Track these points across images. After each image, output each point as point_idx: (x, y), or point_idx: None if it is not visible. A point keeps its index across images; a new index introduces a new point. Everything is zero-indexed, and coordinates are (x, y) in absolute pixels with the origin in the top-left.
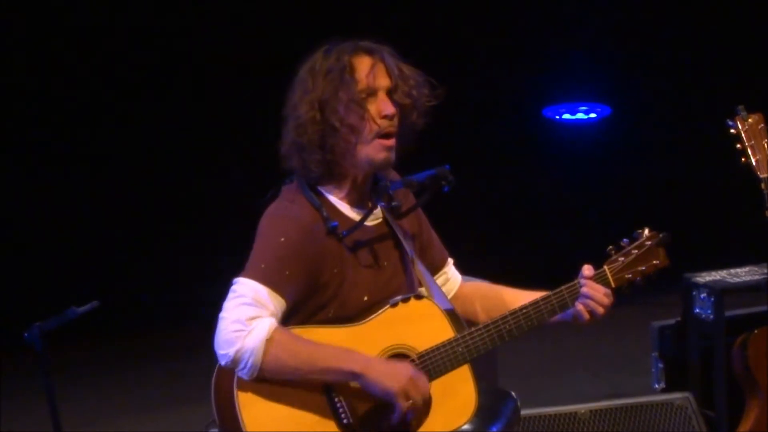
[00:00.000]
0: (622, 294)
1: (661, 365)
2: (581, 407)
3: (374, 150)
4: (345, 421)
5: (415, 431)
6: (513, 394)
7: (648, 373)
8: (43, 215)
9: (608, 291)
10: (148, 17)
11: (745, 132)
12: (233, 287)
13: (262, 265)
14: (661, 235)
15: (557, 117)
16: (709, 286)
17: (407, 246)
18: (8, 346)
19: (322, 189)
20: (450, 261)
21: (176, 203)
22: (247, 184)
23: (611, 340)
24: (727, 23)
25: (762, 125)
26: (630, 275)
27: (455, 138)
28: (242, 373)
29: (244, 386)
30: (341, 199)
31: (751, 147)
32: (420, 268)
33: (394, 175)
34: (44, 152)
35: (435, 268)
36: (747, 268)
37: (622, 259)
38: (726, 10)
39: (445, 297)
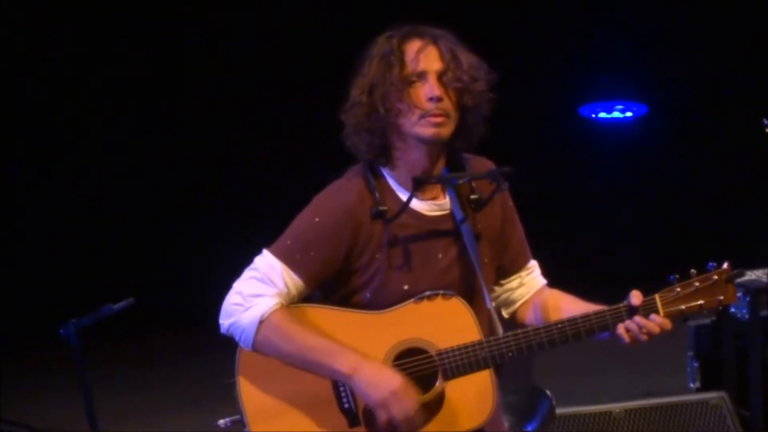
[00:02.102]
0: (679, 322)
1: (696, 364)
2: (616, 406)
3: (421, 127)
4: (346, 405)
5: (422, 426)
6: (548, 392)
7: (683, 372)
8: (80, 213)
9: (650, 325)
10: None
11: None
12: (256, 258)
13: (288, 242)
14: (733, 272)
15: (593, 116)
16: (744, 286)
17: (470, 242)
18: (45, 343)
19: (384, 171)
20: (531, 265)
21: (212, 199)
22: (276, 181)
23: None
24: (764, 21)
25: None
26: (684, 307)
27: (490, 137)
28: (241, 344)
29: (247, 357)
30: (402, 183)
31: None
32: (476, 267)
33: (482, 164)
34: (78, 151)
35: (511, 270)
36: None
37: (679, 289)
38: (764, 9)
39: (490, 300)
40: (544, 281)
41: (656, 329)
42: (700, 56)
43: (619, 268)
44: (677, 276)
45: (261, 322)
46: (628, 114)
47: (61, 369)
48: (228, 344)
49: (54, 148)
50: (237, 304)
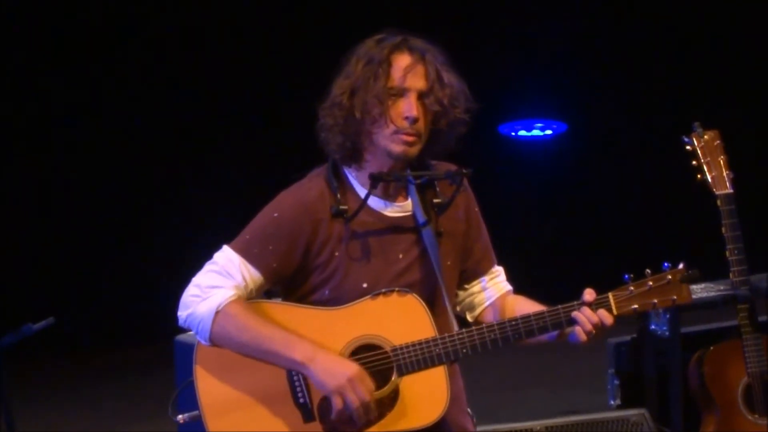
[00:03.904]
0: (633, 320)
1: (616, 382)
2: (537, 424)
3: (392, 142)
4: (301, 400)
5: (376, 422)
6: (468, 410)
7: (604, 389)
8: None
9: (597, 320)
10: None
11: (700, 148)
12: (215, 253)
13: (248, 236)
14: (688, 272)
15: (513, 134)
16: None
17: (431, 244)
18: None
19: (348, 171)
20: (495, 270)
21: (134, 220)
22: (205, 206)
23: (568, 357)
24: (683, 40)
25: (718, 142)
26: (637, 306)
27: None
28: (198, 338)
29: (204, 354)
30: (364, 184)
31: (707, 163)
32: (436, 268)
33: (446, 168)
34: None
35: (474, 274)
36: (703, 285)
37: (632, 288)
38: (682, 27)
39: (449, 300)
40: (509, 287)
41: (596, 319)
42: (618, 73)
43: (538, 285)
44: (632, 276)
45: (217, 312)
46: (548, 132)
47: None
48: (148, 365)
49: None
50: (194, 296)
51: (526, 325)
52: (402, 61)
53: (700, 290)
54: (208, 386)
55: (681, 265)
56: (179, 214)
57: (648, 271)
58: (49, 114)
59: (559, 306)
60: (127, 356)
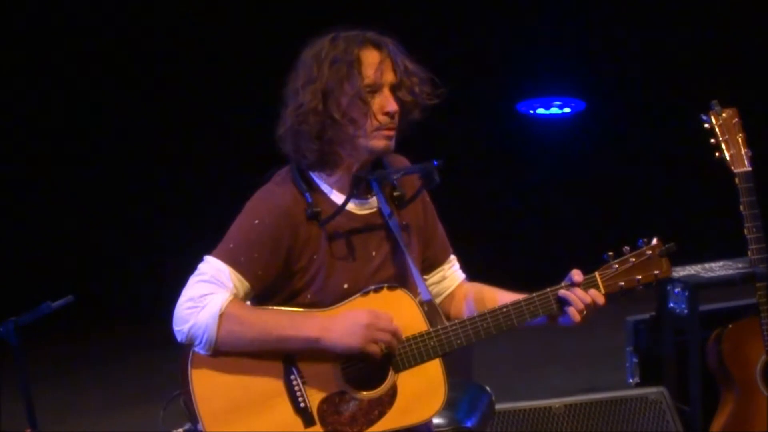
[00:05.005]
0: (618, 299)
1: (635, 360)
2: (556, 402)
3: (375, 140)
4: (302, 404)
5: (377, 421)
6: (488, 388)
7: (623, 367)
8: (16, 210)
9: (589, 300)
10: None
11: (719, 127)
12: (199, 265)
13: (231, 245)
14: (665, 246)
15: (531, 112)
16: (683, 281)
17: (400, 238)
18: None
19: (314, 175)
20: (452, 259)
21: (152, 198)
22: (225, 182)
23: (586, 335)
24: (701, 18)
25: (736, 120)
26: (623, 283)
27: (427, 133)
28: (200, 349)
29: (199, 364)
30: (332, 185)
31: (725, 142)
32: (409, 261)
33: (400, 162)
34: (18, 148)
35: (435, 264)
36: (721, 263)
37: (617, 266)
38: (701, 5)
39: (428, 292)
40: (463, 275)
41: (589, 299)
42: (637, 51)
43: (557, 262)
44: (611, 254)
45: (221, 315)
46: (567, 110)
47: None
48: (166, 344)
49: None
50: (191, 308)
51: (517, 311)
52: (371, 57)
53: (718, 268)
54: (206, 394)
55: (655, 240)
56: (197, 196)
57: (627, 248)
58: (75, 103)
59: (548, 289)
60: (145, 334)
